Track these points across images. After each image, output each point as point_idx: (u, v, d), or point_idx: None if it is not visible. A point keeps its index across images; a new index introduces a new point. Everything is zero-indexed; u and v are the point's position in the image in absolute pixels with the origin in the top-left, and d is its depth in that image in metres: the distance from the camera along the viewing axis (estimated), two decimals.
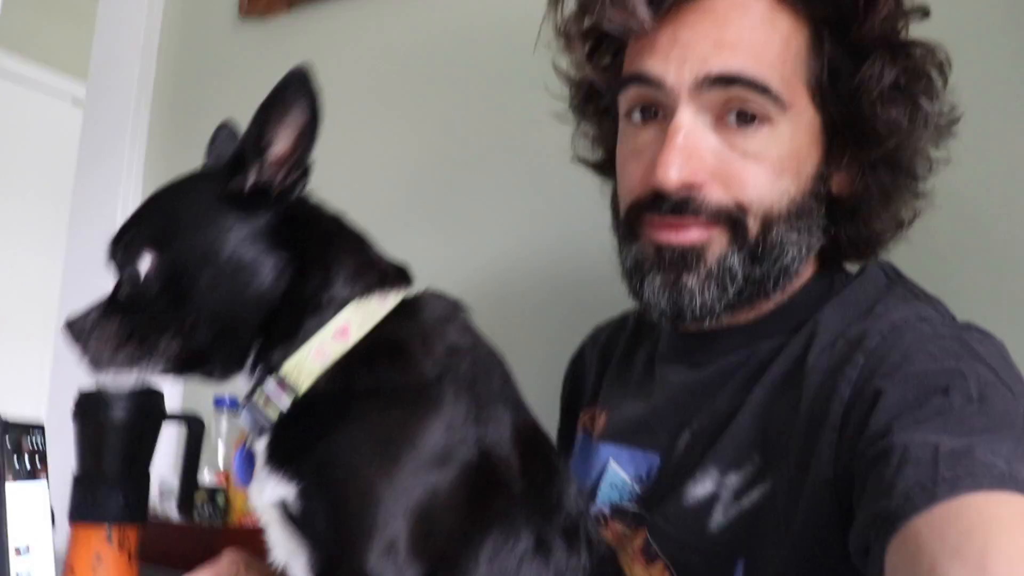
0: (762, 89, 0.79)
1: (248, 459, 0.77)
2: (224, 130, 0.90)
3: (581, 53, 0.91)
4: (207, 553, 0.92)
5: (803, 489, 0.74)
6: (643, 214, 0.84)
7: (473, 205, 1.45)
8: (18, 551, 0.80)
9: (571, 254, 1.33)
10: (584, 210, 1.34)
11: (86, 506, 0.96)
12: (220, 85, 1.86)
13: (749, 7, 0.81)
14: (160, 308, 0.74)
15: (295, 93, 0.73)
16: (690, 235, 0.81)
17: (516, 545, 0.70)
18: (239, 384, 0.79)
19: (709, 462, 0.81)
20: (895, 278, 0.85)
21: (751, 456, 0.79)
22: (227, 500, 1.40)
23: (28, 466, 0.83)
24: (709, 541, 0.79)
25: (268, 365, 0.75)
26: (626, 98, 0.86)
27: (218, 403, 1.52)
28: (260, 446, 0.75)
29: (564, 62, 0.96)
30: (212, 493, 1.38)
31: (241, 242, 0.74)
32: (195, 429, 1.04)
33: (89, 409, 0.98)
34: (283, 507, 0.72)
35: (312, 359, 0.73)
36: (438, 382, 0.72)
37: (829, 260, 0.89)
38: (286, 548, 0.74)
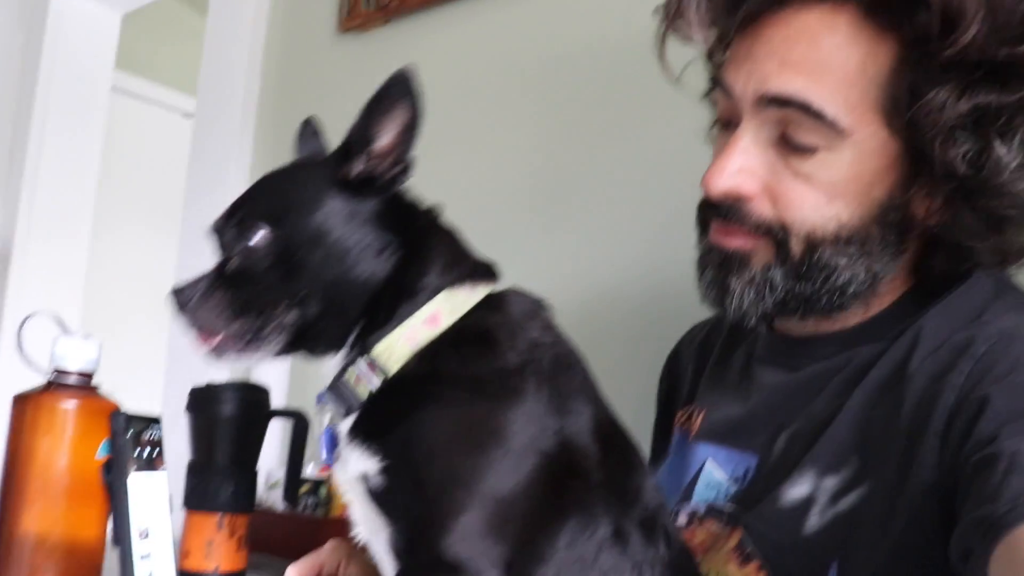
0: (816, 114, 0.77)
1: (333, 438, 0.80)
2: (308, 126, 0.95)
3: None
4: (310, 542, 0.97)
5: (902, 493, 0.73)
6: (706, 213, 0.88)
7: (567, 211, 1.47)
8: (141, 535, 0.86)
9: (667, 259, 1.34)
10: (681, 216, 1.34)
11: (200, 495, 1.02)
12: (320, 96, 1.93)
13: (830, 25, 0.78)
14: (270, 283, 0.77)
15: (399, 92, 0.77)
16: (735, 241, 0.84)
17: (594, 533, 0.71)
18: (327, 365, 0.81)
19: (806, 465, 0.81)
20: (1004, 286, 0.83)
21: (849, 460, 0.79)
22: (329, 492, 1.46)
23: (148, 457, 0.89)
24: (804, 543, 0.79)
25: (362, 346, 0.77)
26: (715, 99, 0.89)
27: (320, 400, 1.58)
28: (345, 425, 0.78)
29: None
30: (316, 485, 1.44)
31: (350, 224, 0.78)
32: (300, 424, 1.08)
33: (201, 404, 1.03)
34: (365, 482, 0.74)
35: (403, 343, 0.75)
36: (520, 373, 0.73)
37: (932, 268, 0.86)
38: (368, 525, 0.76)
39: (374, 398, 0.76)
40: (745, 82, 0.81)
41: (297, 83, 2.00)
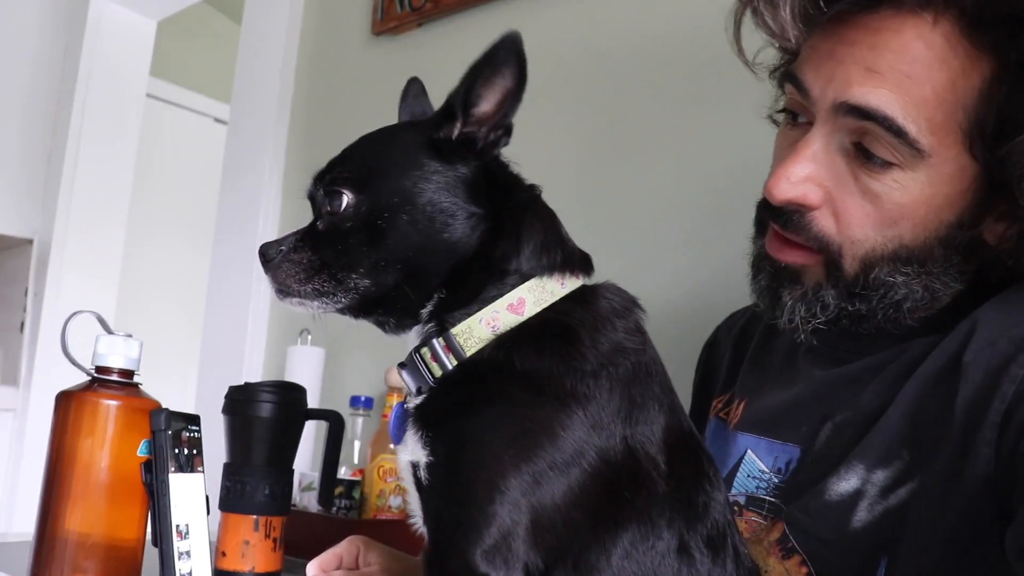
0: (897, 132, 0.74)
1: (403, 417, 0.79)
2: (415, 84, 0.93)
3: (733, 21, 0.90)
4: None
5: (956, 487, 0.72)
6: (765, 214, 0.85)
7: (602, 214, 1.47)
8: (180, 533, 0.86)
9: (703, 260, 1.33)
10: (717, 219, 1.33)
11: (236, 497, 1.03)
12: (353, 99, 1.95)
13: (925, 37, 0.74)
14: (355, 245, 0.76)
15: (505, 57, 0.76)
16: (790, 256, 0.83)
17: (655, 545, 0.69)
18: (406, 343, 0.80)
19: (854, 458, 0.79)
20: None
21: (900, 453, 0.77)
22: (363, 494, 1.46)
23: (187, 457, 0.89)
24: (851, 538, 0.78)
25: (440, 323, 0.76)
26: (787, 91, 0.85)
27: (354, 402, 1.59)
28: (414, 404, 0.77)
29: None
30: (349, 487, 1.45)
31: (441, 188, 0.76)
32: (336, 425, 1.08)
33: (238, 404, 1.04)
34: (415, 470, 0.73)
35: (483, 326, 0.74)
36: (596, 376, 0.71)
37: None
38: (419, 513, 0.75)
39: (445, 380, 0.75)
40: (824, 85, 0.78)
41: (330, 87, 2.02)
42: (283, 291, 0.79)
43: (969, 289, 0.83)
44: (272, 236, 2.02)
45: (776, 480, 0.87)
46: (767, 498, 0.87)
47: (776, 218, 0.82)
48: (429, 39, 1.80)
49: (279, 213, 2.05)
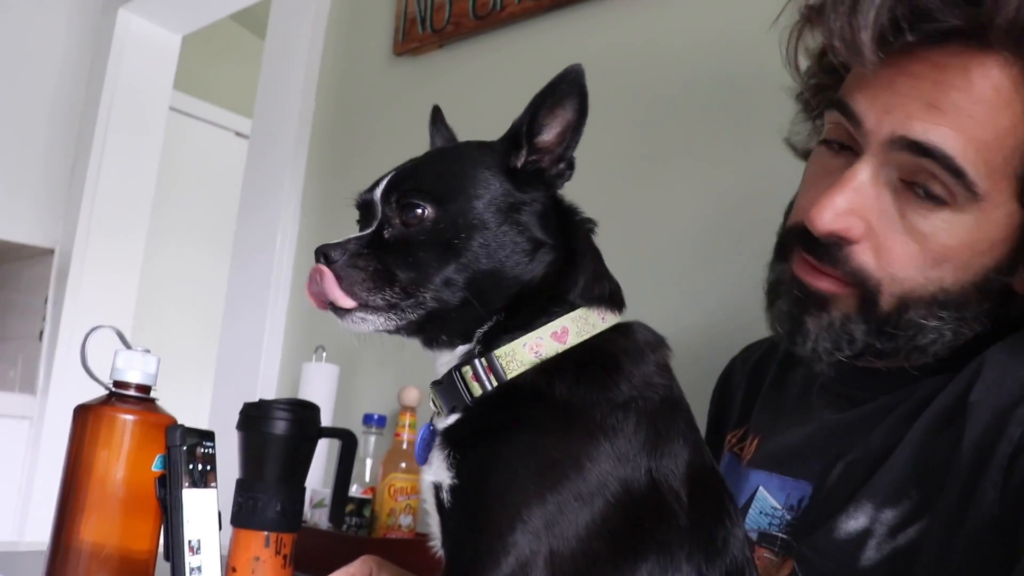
0: (956, 173, 0.72)
1: (430, 437, 0.78)
2: (438, 113, 0.94)
3: (788, 37, 0.86)
4: (353, 560, 0.98)
5: (962, 528, 0.72)
6: (795, 242, 0.83)
7: (619, 240, 1.47)
8: (192, 549, 0.87)
9: (719, 288, 1.33)
10: (730, 246, 1.33)
11: (247, 513, 1.03)
12: (374, 119, 1.97)
13: (990, 76, 0.72)
14: (427, 260, 0.75)
15: (568, 90, 0.77)
16: (823, 283, 0.80)
17: (675, 575, 0.69)
18: (441, 364, 0.80)
19: (863, 497, 0.79)
20: None
21: (908, 493, 0.77)
22: (373, 512, 1.46)
23: (201, 473, 0.90)
24: None
25: (486, 344, 0.76)
26: (829, 116, 0.83)
27: (367, 420, 1.60)
28: (444, 424, 0.76)
29: (811, 41, 0.90)
30: (360, 505, 1.45)
31: (514, 215, 0.77)
32: (349, 443, 1.09)
33: (253, 420, 1.04)
34: (437, 491, 0.73)
35: (526, 350, 0.74)
36: (626, 408, 0.72)
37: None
38: (438, 535, 0.75)
39: (483, 401, 0.75)
40: (880, 116, 0.75)
41: (351, 106, 2.03)
42: (344, 296, 0.75)
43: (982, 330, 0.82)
44: (290, 252, 2.05)
45: (788, 517, 0.87)
46: (779, 535, 0.87)
47: (811, 248, 0.80)
48: (450, 60, 1.82)
49: (297, 229, 2.07)
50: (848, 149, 0.80)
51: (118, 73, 2.72)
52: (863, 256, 0.77)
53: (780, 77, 0.95)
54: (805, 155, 0.97)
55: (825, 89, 0.90)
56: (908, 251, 0.76)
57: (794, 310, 0.82)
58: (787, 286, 0.83)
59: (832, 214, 0.76)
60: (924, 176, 0.74)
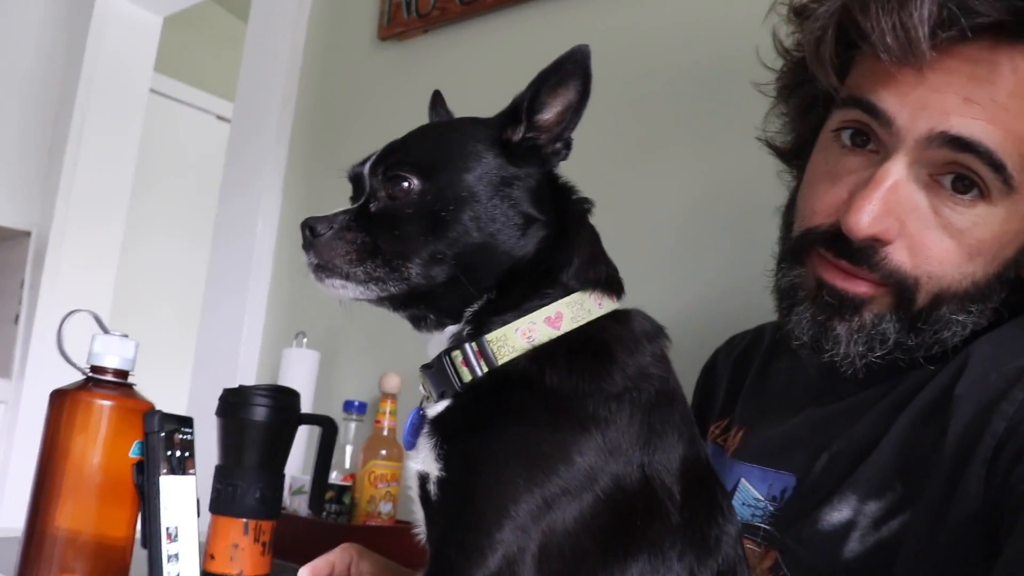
0: (997, 166, 0.72)
1: (419, 422, 0.77)
2: (439, 96, 0.93)
3: (812, 38, 0.81)
4: (333, 548, 0.97)
5: (945, 521, 0.72)
6: (817, 245, 0.81)
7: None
8: (169, 536, 0.86)
9: (702, 279, 1.33)
10: (715, 237, 1.33)
11: (226, 500, 1.02)
12: (358, 104, 1.95)
13: (1019, 67, 0.72)
14: (414, 232, 0.74)
15: (572, 70, 0.76)
16: (859, 287, 0.78)
17: (667, 575, 0.68)
18: (431, 346, 0.79)
19: (848, 489, 0.79)
20: None
21: (893, 485, 0.77)
22: (353, 499, 1.46)
23: (179, 459, 0.89)
24: (842, 568, 0.78)
25: (477, 327, 0.75)
26: (842, 115, 0.81)
27: (347, 407, 1.59)
28: (434, 411, 0.75)
29: (785, 33, 0.88)
30: (340, 492, 1.44)
31: (508, 189, 0.75)
32: (329, 430, 1.08)
33: (232, 406, 1.03)
34: (424, 481, 0.72)
35: (518, 336, 0.73)
36: (619, 399, 0.70)
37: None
38: (422, 525, 0.74)
39: (472, 387, 0.73)
40: (914, 113, 0.74)
41: (335, 90, 2.02)
42: (325, 269, 0.75)
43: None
44: (271, 236, 2.04)
45: (772, 508, 0.87)
46: (762, 526, 0.87)
47: (843, 253, 0.78)
48: (435, 45, 1.80)
49: (279, 213, 2.05)
50: (863, 146, 0.79)
51: (97, 54, 2.68)
52: (899, 256, 0.76)
53: (769, 67, 0.95)
54: (781, 153, 0.97)
55: (804, 83, 0.89)
56: (944, 247, 0.75)
57: (820, 316, 0.80)
58: (811, 292, 0.81)
59: (869, 218, 0.74)
60: (960, 168, 0.73)
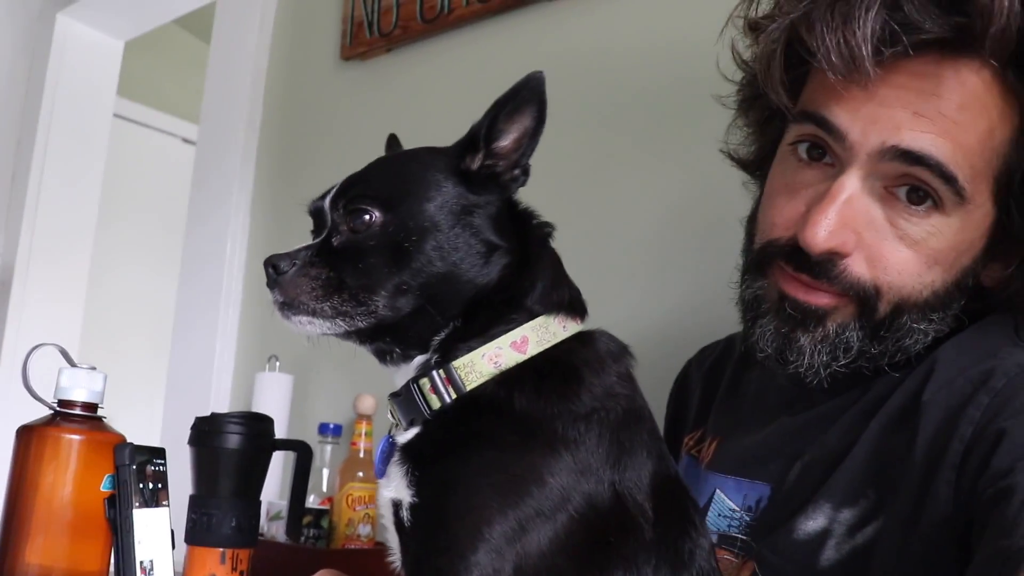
0: (948, 178, 0.73)
1: (389, 450, 0.77)
2: (394, 140, 0.94)
3: (763, 57, 0.82)
4: (312, 573, 0.96)
5: (917, 526, 0.72)
6: (777, 258, 0.81)
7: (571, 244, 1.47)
8: (144, 570, 0.85)
9: (676, 288, 1.34)
10: (686, 249, 1.34)
11: (202, 530, 1.00)
12: (323, 123, 1.94)
13: (965, 81, 0.73)
14: (377, 265, 0.74)
15: (528, 97, 0.76)
16: (820, 299, 0.79)
17: None
18: (398, 376, 0.79)
19: (822, 497, 0.80)
20: (1022, 324, 0.81)
21: (865, 492, 0.78)
22: (332, 523, 1.44)
23: (152, 491, 0.88)
24: None
25: (443, 354, 0.75)
26: (798, 129, 0.82)
27: (322, 430, 1.58)
28: (403, 438, 0.75)
29: (743, 45, 0.90)
30: (318, 516, 1.43)
31: (469, 217, 0.76)
32: (304, 456, 1.07)
33: (205, 435, 1.02)
34: (396, 508, 0.72)
35: (485, 361, 0.73)
36: (587, 420, 0.71)
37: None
38: (397, 552, 0.74)
39: (441, 414, 0.74)
40: (866, 128, 0.75)
41: (299, 111, 2.01)
42: (292, 306, 0.75)
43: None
44: (241, 259, 2.02)
45: (748, 518, 0.87)
46: (739, 536, 0.87)
47: (803, 266, 0.78)
48: (398, 64, 1.80)
49: (247, 236, 2.04)
50: (819, 159, 0.80)
51: (58, 79, 2.65)
52: (858, 268, 0.77)
53: (730, 80, 0.96)
54: (744, 164, 0.98)
55: (753, 101, 0.91)
56: (902, 257, 0.76)
57: (784, 328, 0.80)
58: (773, 304, 0.82)
59: (826, 232, 0.75)
60: (913, 183, 0.75)
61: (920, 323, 0.78)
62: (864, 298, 0.78)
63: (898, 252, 0.76)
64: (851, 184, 0.76)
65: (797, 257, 0.78)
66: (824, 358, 0.79)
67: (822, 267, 0.77)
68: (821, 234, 0.75)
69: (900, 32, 0.71)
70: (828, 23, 0.73)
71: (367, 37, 1.83)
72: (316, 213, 0.80)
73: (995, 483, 0.66)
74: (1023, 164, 0.75)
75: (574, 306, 0.79)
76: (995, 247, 0.79)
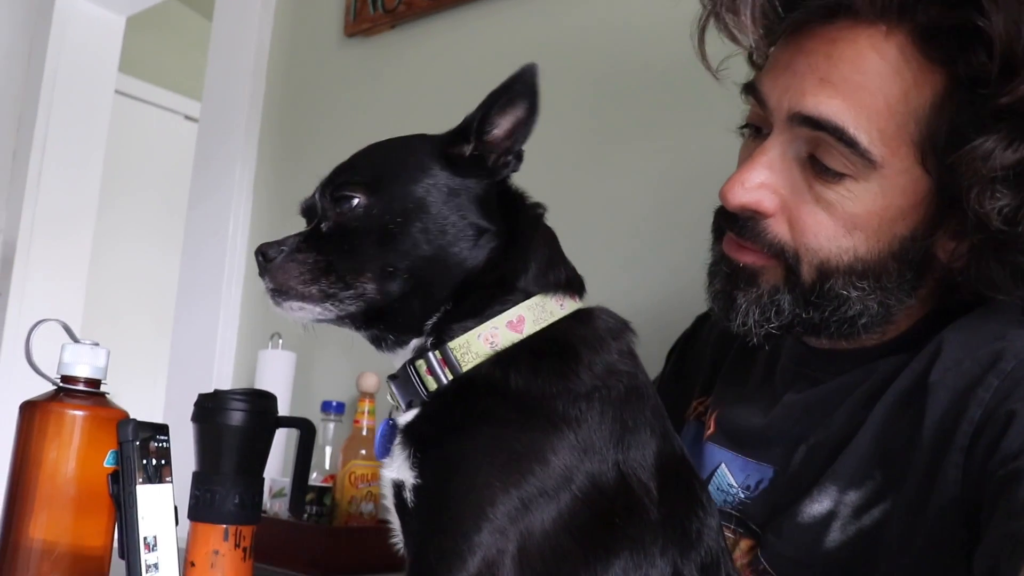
0: (849, 142, 0.74)
1: (390, 432, 0.77)
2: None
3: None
4: (314, 550, 0.96)
5: (925, 509, 0.72)
6: (721, 221, 0.86)
7: (568, 221, 1.47)
8: (148, 545, 0.85)
9: (671, 264, 1.33)
10: (680, 224, 1.34)
11: (205, 507, 1.01)
12: (325, 100, 1.93)
13: (879, 48, 0.75)
14: (364, 246, 0.75)
15: (521, 90, 0.77)
16: (747, 257, 0.82)
17: (650, 572, 0.68)
18: (396, 358, 0.79)
19: (827, 480, 0.80)
20: None
21: (872, 474, 0.78)
22: (334, 500, 1.45)
23: (155, 468, 0.88)
24: (824, 559, 0.78)
25: (439, 337, 0.75)
26: (748, 103, 0.86)
27: (325, 407, 1.58)
28: (404, 419, 0.76)
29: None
30: (320, 494, 1.43)
31: (452, 201, 0.76)
32: (307, 434, 1.07)
33: (208, 412, 1.02)
34: (399, 490, 0.72)
35: (481, 342, 0.74)
36: (588, 398, 0.71)
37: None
38: (399, 533, 0.74)
39: (439, 396, 0.74)
40: (780, 95, 0.79)
41: (302, 87, 2.00)
42: (282, 293, 0.76)
43: (939, 310, 0.83)
44: (243, 237, 2.02)
45: (742, 496, 0.88)
46: (732, 512, 0.88)
47: (732, 225, 0.83)
48: (401, 41, 1.79)
49: (250, 213, 2.03)
50: (758, 133, 0.84)
51: (60, 56, 2.63)
52: (778, 228, 0.80)
53: (727, 62, 0.95)
54: None
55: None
56: (818, 220, 0.78)
57: (726, 287, 0.84)
58: (720, 265, 0.86)
59: (741, 189, 0.79)
60: (822, 149, 0.76)
61: (849, 290, 0.79)
62: (785, 260, 0.80)
63: (814, 215, 0.78)
64: (772, 149, 0.79)
65: (729, 217, 0.82)
66: (756, 317, 0.82)
67: (745, 225, 0.81)
68: (735, 190, 0.79)
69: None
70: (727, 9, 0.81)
71: (371, 13, 1.82)
72: (308, 210, 0.81)
73: (1005, 465, 0.66)
74: (952, 128, 0.74)
75: (572, 285, 0.79)
76: (939, 217, 0.77)
